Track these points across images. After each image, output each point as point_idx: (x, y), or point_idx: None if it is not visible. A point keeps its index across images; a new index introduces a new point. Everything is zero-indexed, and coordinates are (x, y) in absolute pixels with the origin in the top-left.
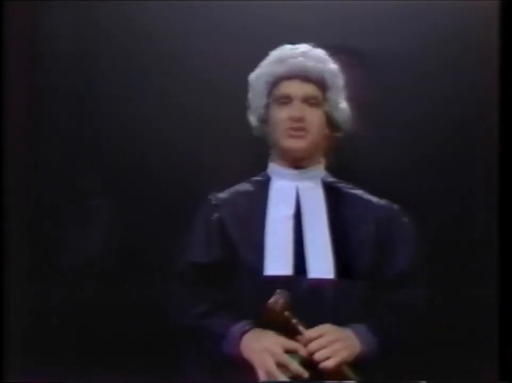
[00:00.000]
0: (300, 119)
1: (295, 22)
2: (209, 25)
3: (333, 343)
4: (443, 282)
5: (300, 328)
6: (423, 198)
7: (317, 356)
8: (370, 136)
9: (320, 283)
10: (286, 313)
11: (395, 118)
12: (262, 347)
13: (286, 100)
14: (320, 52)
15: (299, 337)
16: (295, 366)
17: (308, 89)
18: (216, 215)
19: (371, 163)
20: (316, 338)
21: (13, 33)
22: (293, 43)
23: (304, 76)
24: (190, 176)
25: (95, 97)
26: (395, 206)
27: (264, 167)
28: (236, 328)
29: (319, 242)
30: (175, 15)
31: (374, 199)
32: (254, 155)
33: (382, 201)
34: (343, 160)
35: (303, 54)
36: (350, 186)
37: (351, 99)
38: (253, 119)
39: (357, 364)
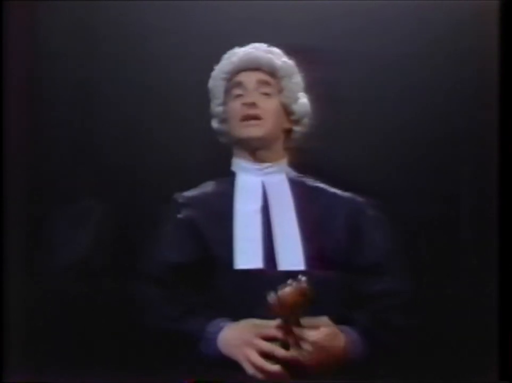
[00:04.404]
0: (253, 105)
1: (288, 23)
2: (205, 27)
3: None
4: (442, 280)
5: (302, 325)
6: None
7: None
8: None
9: (292, 275)
10: (296, 307)
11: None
12: (241, 341)
13: (240, 91)
14: (272, 48)
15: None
16: (280, 351)
17: (261, 76)
18: (184, 213)
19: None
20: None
21: (13, 33)
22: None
23: (255, 66)
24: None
25: (94, 97)
26: (360, 198)
27: (228, 167)
28: (211, 327)
29: (288, 235)
30: (174, 16)
31: (338, 191)
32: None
33: (347, 194)
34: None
35: (254, 47)
36: (314, 180)
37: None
38: (214, 122)
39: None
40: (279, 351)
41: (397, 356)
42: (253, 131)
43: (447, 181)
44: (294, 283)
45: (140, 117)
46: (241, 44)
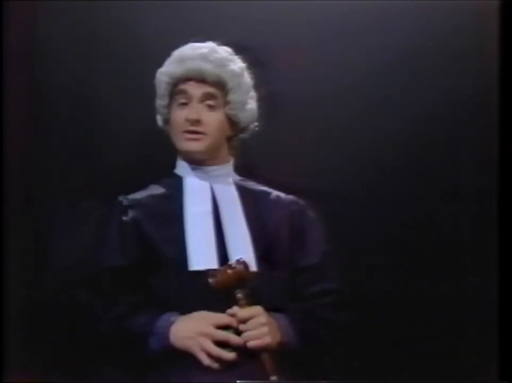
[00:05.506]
0: (196, 122)
1: (288, 22)
2: (205, 28)
3: (262, 326)
4: (442, 280)
5: (239, 304)
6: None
7: (244, 335)
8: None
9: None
10: (237, 284)
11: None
12: (194, 332)
13: (184, 100)
14: (222, 53)
15: (234, 311)
16: (235, 338)
17: (207, 89)
18: (129, 216)
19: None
20: (247, 319)
21: (13, 33)
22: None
23: (201, 79)
24: None
25: (94, 97)
26: (302, 201)
27: (172, 167)
28: (160, 322)
29: (238, 236)
30: (175, 16)
31: (282, 194)
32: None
33: (290, 196)
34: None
35: (202, 56)
36: (258, 184)
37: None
38: (158, 119)
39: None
40: (234, 338)
41: (397, 356)
42: (194, 145)
43: (447, 181)
44: (232, 264)
45: (140, 117)
46: (242, 44)
